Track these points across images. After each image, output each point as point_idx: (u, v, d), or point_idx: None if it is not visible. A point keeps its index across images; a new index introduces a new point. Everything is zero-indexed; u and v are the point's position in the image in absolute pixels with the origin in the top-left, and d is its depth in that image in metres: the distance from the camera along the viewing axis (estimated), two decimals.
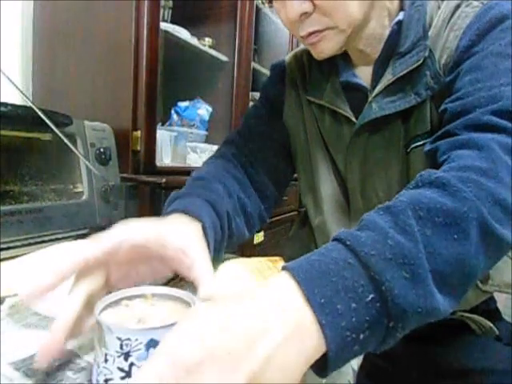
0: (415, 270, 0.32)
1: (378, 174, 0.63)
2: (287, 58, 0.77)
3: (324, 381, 0.37)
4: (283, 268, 0.33)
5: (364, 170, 0.64)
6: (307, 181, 0.72)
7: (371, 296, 0.31)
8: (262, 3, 1.92)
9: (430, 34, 0.57)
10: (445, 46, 0.55)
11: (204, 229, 0.47)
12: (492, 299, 0.73)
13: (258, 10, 1.78)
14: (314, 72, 0.69)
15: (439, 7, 0.58)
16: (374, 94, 0.59)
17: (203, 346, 0.26)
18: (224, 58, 1.57)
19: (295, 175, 0.79)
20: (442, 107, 0.53)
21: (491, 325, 0.67)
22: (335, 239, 0.35)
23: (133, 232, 0.40)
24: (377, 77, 0.61)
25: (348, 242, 0.33)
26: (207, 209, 0.52)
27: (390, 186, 0.63)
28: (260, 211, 0.70)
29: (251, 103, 1.74)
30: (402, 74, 0.56)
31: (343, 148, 0.65)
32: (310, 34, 0.56)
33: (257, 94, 1.96)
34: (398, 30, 0.58)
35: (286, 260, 0.81)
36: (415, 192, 0.39)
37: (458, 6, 0.55)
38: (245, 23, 1.59)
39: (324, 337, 0.29)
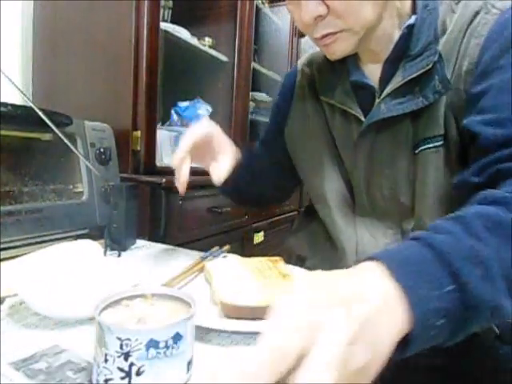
0: (489, 271, 0.34)
1: (384, 172, 0.65)
2: (299, 63, 0.80)
3: None
4: (369, 258, 0.35)
5: (369, 168, 0.66)
6: (313, 177, 0.74)
7: (451, 287, 0.32)
8: (262, 3, 1.92)
9: (445, 38, 0.58)
10: (466, 52, 0.56)
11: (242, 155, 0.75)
12: None
13: (258, 9, 1.78)
14: (325, 73, 0.71)
15: (453, 11, 0.59)
16: (383, 95, 0.61)
17: (315, 302, 0.28)
18: (224, 58, 1.56)
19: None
20: (476, 128, 0.53)
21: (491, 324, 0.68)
22: (412, 239, 0.37)
23: (215, 130, 0.70)
24: (386, 77, 0.62)
25: (426, 241, 0.35)
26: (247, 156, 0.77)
27: (395, 184, 0.64)
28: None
29: (251, 103, 1.74)
30: (411, 76, 0.58)
31: (351, 146, 0.67)
32: (324, 36, 0.57)
33: (257, 94, 1.97)
34: (408, 32, 0.59)
35: (290, 253, 0.83)
36: (479, 207, 0.41)
37: (477, 13, 0.56)
38: (245, 23, 1.59)
39: (411, 316, 0.30)
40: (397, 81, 0.60)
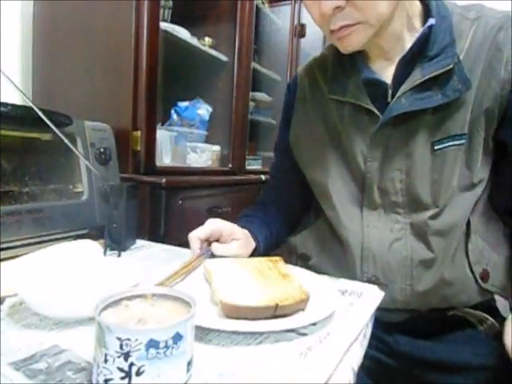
0: None
1: (398, 166, 0.67)
2: (299, 70, 0.84)
3: (323, 381, 0.37)
4: None
5: (384, 161, 0.68)
6: (316, 175, 0.76)
7: None
8: (262, 3, 1.92)
9: (467, 44, 0.63)
10: (500, 61, 0.62)
11: (257, 245, 0.75)
12: (492, 298, 0.74)
13: (258, 9, 1.78)
14: (333, 73, 0.74)
15: (467, 18, 0.64)
16: (402, 91, 0.64)
17: None
18: (224, 57, 1.56)
19: None
20: None
21: (493, 320, 0.69)
22: None
23: (221, 225, 0.70)
24: (401, 74, 0.65)
25: None
26: (263, 228, 0.78)
27: (409, 179, 0.67)
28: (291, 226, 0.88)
29: (251, 103, 1.74)
30: (432, 75, 0.62)
31: (363, 140, 0.69)
32: (341, 27, 0.60)
33: (257, 94, 1.97)
34: (428, 33, 0.62)
35: (291, 252, 0.85)
36: None
37: (500, 27, 0.62)
38: (245, 23, 1.59)
39: None
40: (415, 78, 0.63)
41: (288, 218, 0.86)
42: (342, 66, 0.72)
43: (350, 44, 0.63)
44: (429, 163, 0.65)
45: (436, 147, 0.64)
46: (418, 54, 0.63)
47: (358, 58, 0.69)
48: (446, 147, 0.64)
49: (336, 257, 0.74)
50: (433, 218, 0.66)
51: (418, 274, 0.66)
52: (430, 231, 0.66)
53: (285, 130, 0.83)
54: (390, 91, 0.66)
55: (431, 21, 0.62)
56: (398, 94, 0.64)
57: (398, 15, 0.63)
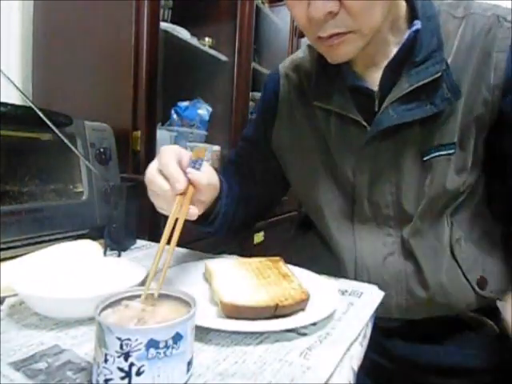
0: None
1: (388, 179, 0.64)
2: (282, 67, 0.77)
3: (323, 381, 0.37)
4: None
5: (374, 174, 0.65)
6: (305, 188, 0.73)
7: None
8: (262, 3, 1.92)
9: (455, 48, 0.59)
10: (489, 65, 0.58)
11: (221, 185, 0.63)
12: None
13: (258, 9, 1.78)
14: (317, 78, 0.68)
15: (454, 16, 0.60)
16: (389, 101, 0.60)
17: None
18: (224, 58, 1.57)
19: None
20: None
21: (491, 323, 0.68)
22: None
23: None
24: (387, 82, 0.61)
25: None
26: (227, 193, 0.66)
27: (400, 191, 0.64)
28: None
29: (251, 103, 1.75)
30: (420, 84, 0.57)
31: (351, 152, 0.65)
32: (332, 35, 0.55)
33: (257, 94, 1.96)
34: (414, 38, 0.59)
35: (289, 261, 0.83)
36: None
37: (489, 29, 0.58)
38: (245, 23, 1.59)
39: None
40: (403, 87, 0.59)
41: (243, 197, 0.74)
42: (325, 71, 0.67)
43: (339, 54, 0.58)
44: (418, 175, 0.63)
45: (425, 158, 0.62)
46: (405, 59, 0.60)
47: (344, 64, 0.64)
48: (434, 157, 0.61)
49: (330, 270, 0.70)
50: (413, 230, 0.64)
51: (413, 287, 0.65)
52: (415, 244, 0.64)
53: (261, 125, 0.77)
54: (376, 99, 0.63)
55: (417, 24, 0.59)
56: (385, 103, 0.60)
57: (385, 19, 0.58)
